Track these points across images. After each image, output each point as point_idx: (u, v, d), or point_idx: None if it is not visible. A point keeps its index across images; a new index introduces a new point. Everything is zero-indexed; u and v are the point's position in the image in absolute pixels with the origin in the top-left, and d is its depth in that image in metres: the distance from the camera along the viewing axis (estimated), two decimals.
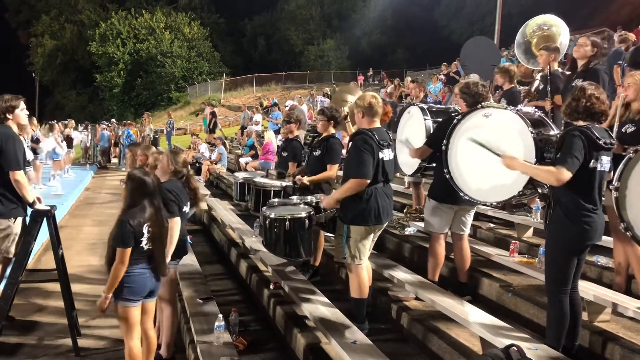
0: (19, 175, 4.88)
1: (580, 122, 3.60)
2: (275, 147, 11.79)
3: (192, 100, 46.90)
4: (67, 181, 15.17)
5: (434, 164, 5.09)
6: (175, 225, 4.30)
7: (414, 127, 5.53)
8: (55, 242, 5.06)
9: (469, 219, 5.12)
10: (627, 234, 3.37)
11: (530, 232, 6.21)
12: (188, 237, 5.11)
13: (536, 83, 6.66)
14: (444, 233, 5.05)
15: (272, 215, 4.85)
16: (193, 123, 35.42)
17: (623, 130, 4.31)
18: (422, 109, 5.59)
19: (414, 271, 5.26)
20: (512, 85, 6.48)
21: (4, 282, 5.03)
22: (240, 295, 6.32)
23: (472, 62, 10.80)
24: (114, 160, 22.94)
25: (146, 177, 3.93)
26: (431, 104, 6.50)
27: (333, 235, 4.96)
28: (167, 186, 4.38)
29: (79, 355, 4.86)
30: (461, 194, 4.46)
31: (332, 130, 5.79)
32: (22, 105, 5.15)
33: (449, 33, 46.78)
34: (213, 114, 19.54)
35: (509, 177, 4.06)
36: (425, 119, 5.41)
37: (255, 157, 13.33)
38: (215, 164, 14.40)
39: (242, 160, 13.63)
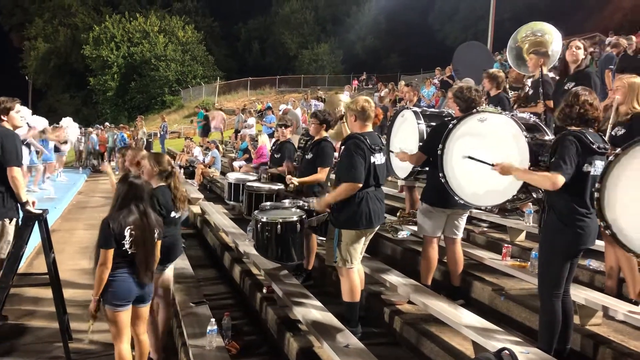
0: (16, 171, 4.89)
1: (574, 127, 3.62)
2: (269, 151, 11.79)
3: (186, 103, 46.82)
4: (60, 185, 15.11)
5: (427, 168, 5.11)
6: None
7: (408, 131, 5.55)
8: (47, 245, 5.04)
9: (462, 223, 5.14)
10: (607, 232, 3.43)
11: (522, 235, 6.22)
12: (182, 241, 5.09)
13: (526, 89, 6.70)
14: (437, 237, 5.06)
15: (264, 219, 4.85)
16: (187, 126, 35.35)
17: (613, 133, 4.34)
18: (415, 113, 5.61)
19: (407, 275, 5.26)
20: (500, 91, 6.51)
21: None
22: (233, 299, 6.30)
23: (465, 67, 10.82)
24: (113, 164, 22.82)
25: (137, 181, 3.95)
26: (425, 108, 6.51)
27: (325, 238, 4.97)
28: (155, 193, 4.36)
29: None
30: (456, 198, 4.48)
31: (324, 134, 5.81)
32: (18, 107, 5.15)
33: (443, 37, 46.91)
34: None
35: (504, 182, 4.07)
36: (418, 123, 5.43)
37: (249, 160, 13.31)
38: (209, 167, 14.37)
39: (236, 164, 13.59)
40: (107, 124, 30.53)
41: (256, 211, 5.18)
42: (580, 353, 3.95)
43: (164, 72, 50.41)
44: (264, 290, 5.63)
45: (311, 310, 4.56)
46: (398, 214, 7.30)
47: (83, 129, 26.79)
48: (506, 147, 4.07)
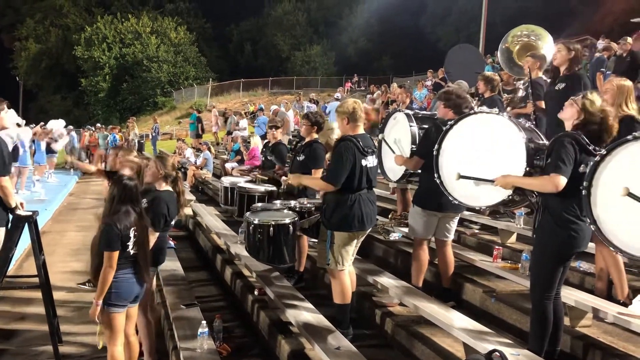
0: (5, 181, 4.83)
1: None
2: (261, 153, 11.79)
3: (178, 105, 46.61)
4: (50, 186, 15.00)
5: (420, 171, 5.11)
6: (152, 238, 4.30)
7: (400, 133, 5.55)
8: (37, 248, 5.01)
9: (453, 226, 5.15)
10: (591, 227, 3.43)
11: (513, 237, 6.24)
12: (171, 243, 5.09)
13: (520, 92, 6.74)
14: (428, 239, 5.07)
15: (256, 221, 4.84)
16: (179, 128, 35.25)
17: None
18: (407, 115, 5.61)
19: (399, 277, 5.27)
20: (493, 93, 6.55)
21: None
22: (225, 301, 6.28)
23: (457, 69, 10.86)
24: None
25: (130, 182, 3.95)
26: (417, 110, 6.54)
27: (317, 240, 4.96)
28: (163, 197, 4.41)
29: None
30: (450, 199, 4.47)
31: (315, 136, 5.81)
32: (6, 108, 5.10)
33: (435, 40, 47.06)
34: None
35: None
36: (410, 126, 5.44)
37: (241, 162, 13.29)
38: (201, 169, 14.34)
39: (228, 166, 13.58)
40: (98, 124, 30.39)
41: (248, 213, 5.17)
42: (570, 354, 3.97)
43: (156, 74, 50.18)
44: (256, 292, 5.63)
45: (303, 312, 4.56)
46: (390, 216, 7.31)
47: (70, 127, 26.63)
48: (503, 147, 4.04)
